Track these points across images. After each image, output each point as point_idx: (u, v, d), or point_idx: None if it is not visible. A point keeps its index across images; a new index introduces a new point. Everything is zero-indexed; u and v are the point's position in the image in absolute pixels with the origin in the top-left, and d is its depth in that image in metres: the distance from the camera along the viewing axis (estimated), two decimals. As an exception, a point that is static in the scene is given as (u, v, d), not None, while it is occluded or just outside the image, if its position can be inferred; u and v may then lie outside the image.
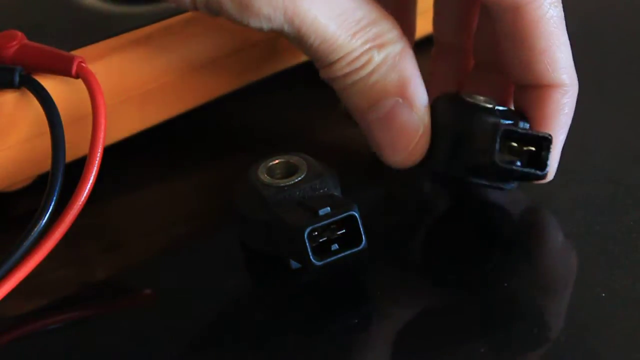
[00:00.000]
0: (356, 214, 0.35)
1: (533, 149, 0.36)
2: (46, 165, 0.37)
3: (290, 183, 0.37)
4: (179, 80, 0.43)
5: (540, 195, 0.40)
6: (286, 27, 0.35)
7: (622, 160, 0.42)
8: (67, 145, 0.37)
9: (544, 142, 0.36)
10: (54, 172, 0.36)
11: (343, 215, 0.35)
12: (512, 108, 0.39)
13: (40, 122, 0.38)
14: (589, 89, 0.47)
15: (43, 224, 0.36)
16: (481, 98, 0.38)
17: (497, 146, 0.36)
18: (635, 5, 0.53)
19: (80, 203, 0.36)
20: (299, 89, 0.38)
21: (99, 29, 0.42)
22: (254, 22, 0.35)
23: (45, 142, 0.38)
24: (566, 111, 0.38)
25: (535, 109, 0.38)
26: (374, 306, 0.37)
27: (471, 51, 0.42)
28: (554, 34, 0.37)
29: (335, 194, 0.37)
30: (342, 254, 0.35)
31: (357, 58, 0.36)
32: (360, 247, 0.35)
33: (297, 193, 0.37)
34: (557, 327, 0.34)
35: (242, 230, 0.38)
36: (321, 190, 0.37)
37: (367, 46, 0.36)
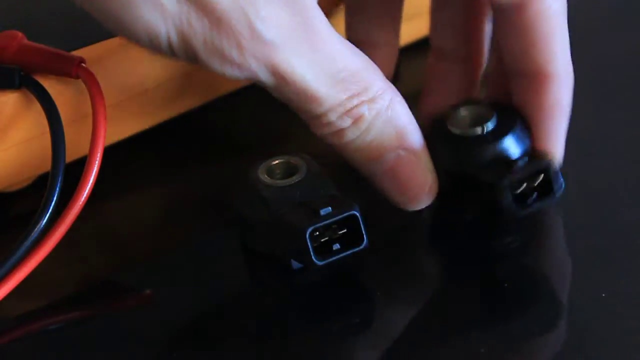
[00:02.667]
0: (357, 214, 0.35)
1: (540, 178, 0.36)
2: (46, 165, 0.37)
3: (290, 183, 0.37)
4: (179, 80, 0.43)
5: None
6: (262, 76, 0.34)
7: (622, 160, 0.42)
8: (67, 145, 0.37)
9: (546, 170, 0.36)
10: (54, 172, 0.36)
11: (344, 215, 0.35)
12: (490, 101, 0.39)
13: (40, 122, 0.38)
14: (589, 89, 0.47)
15: (43, 224, 0.36)
16: (468, 118, 0.38)
17: (508, 199, 0.36)
18: (636, 5, 0.53)
19: (80, 203, 0.36)
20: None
21: (99, 29, 0.42)
22: (229, 71, 0.34)
23: (45, 142, 0.38)
24: (566, 101, 0.38)
25: (534, 99, 0.38)
26: (373, 306, 0.37)
27: (473, 58, 0.42)
28: (556, 26, 0.38)
29: (336, 193, 0.37)
30: (344, 254, 0.35)
31: (347, 113, 0.35)
32: (362, 246, 0.35)
33: (298, 193, 0.37)
34: (557, 327, 0.34)
35: (242, 230, 0.38)
36: (322, 190, 0.37)
37: (355, 102, 0.35)
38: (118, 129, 0.42)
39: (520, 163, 0.36)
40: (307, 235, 0.35)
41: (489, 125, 0.37)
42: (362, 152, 0.36)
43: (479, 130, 0.37)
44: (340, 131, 0.36)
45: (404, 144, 0.36)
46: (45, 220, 0.36)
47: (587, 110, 0.46)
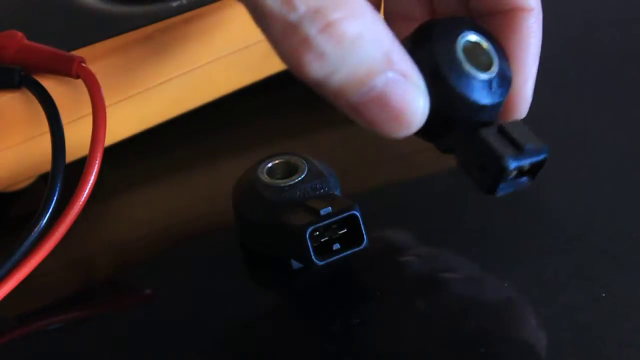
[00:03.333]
0: (357, 214, 0.35)
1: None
2: (46, 165, 0.37)
3: (290, 183, 0.37)
4: (179, 80, 0.43)
5: (540, 195, 0.40)
6: None
7: (622, 160, 0.42)
8: (67, 145, 0.37)
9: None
10: (54, 172, 0.36)
11: (344, 214, 0.35)
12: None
13: (40, 122, 0.38)
14: (589, 89, 0.47)
15: (43, 224, 0.36)
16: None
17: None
18: (635, 7, 0.53)
19: (80, 203, 0.36)
20: (299, 89, 0.37)
21: (99, 29, 0.42)
22: None
23: (45, 142, 0.38)
24: (537, 35, 0.36)
25: (508, 34, 0.36)
26: (373, 306, 0.37)
27: None
28: None
29: (336, 193, 0.37)
30: (344, 254, 0.35)
31: (326, 28, 0.31)
32: (362, 246, 0.36)
33: (298, 193, 0.37)
34: (557, 327, 0.34)
35: (243, 230, 0.38)
36: (322, 190, 0.37)
37: (336, 15, 0.31)
38: (118, 129, 0.42)
39: None
40: (307, 235, 0.35)
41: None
42: (347, 82, 0.32)
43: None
44: (321, 55, 0.31)
45: (392, 64, 0.32)
46: (45, 220, 0.36)
47: (587, 109, 0.46)
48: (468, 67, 0.33)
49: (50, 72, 0.39)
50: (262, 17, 0.31)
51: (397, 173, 0.40)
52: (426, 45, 0.34)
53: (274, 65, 0.46)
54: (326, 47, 0.31)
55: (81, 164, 0.37)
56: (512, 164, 0.32)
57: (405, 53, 0.33)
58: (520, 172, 0.33)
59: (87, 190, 0.36)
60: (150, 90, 0.42)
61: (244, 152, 0.44)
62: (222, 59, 0.43)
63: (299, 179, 0.37)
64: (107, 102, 0.38)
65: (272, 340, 0.35)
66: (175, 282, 0.38)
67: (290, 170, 0.38)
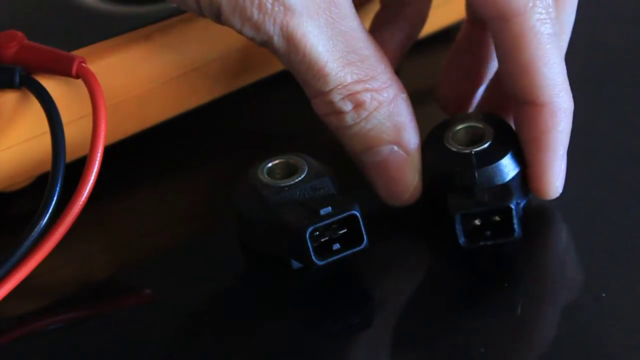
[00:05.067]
0: (357, 214, 0.35)
1: (498, 218, 0.36)
2: (46, 165, 0.37)
3: (290, 183, 0.37)
4: (179, 80, 0.43)
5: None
6: (276, 40, 0.35)
7: (622, 160, 0.42)
8: (67, 145, 0.37)
9: (506, 212, 0.36)
10: (54, 172, 0.36)
11: (344, 214, 0.35)
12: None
13: (40, 122, 0.38)
14: (589, 89, 0.47)
15: (43, 224, 0.36)
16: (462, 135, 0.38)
17: (459, 231, 0.35)
18: (636, 6, 0.53)
19: (80, 203, 0.36)
20: (299, 89, 0.38)
21: (99, 29, 0.42)
22: (247, 30, 0.35)
23: (45, 142, 0.38)
24: (557, 130, 0.37)
25: (526, 127, 0.37)
26: (373, 306, 0.37)
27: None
28: (541, 49, 0.36)
29: (336, 193, 0.37)
30: (344, 254, 0.35)
31: (350, 97, 0.36)
32: (362, 246, 0.36)
33: (298, 193, 0.37)
34: (557, 327, 0.34)
35: (242, 230, 0.38)
36: (321, 190, 0.37)
37: (360, 87, 0.36)
38: (118, 129, 0.42)
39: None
40: (307, 235, 0.35)
41: (477, 149, 0.37)
42: (358, 140, 0.37)
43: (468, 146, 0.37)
44: (341, 114, 0.37)
45: (400, 140, 0.37)
46: (45, 220, 0.36)
47: (586, 108, 0.46)
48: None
49: (50, 72, 0.39)
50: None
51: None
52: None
53: (274, 65, 0.46)
54: (345, 108, 0.37)
55: (81, 164, 0.37)
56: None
57: (416, 133, 0.37)
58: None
59: (87, 190, 0.36)
60: (150, 90, 0.42)
61: (244, 152, 0.44)
62: (222, 58, 0.43)
63: (299, 179, 0.37)
64: (107, 102, 0.38)
65: (272, 340, 0.35)
66: (175, 282, 0.38)
67: (290, 170, 0.38)
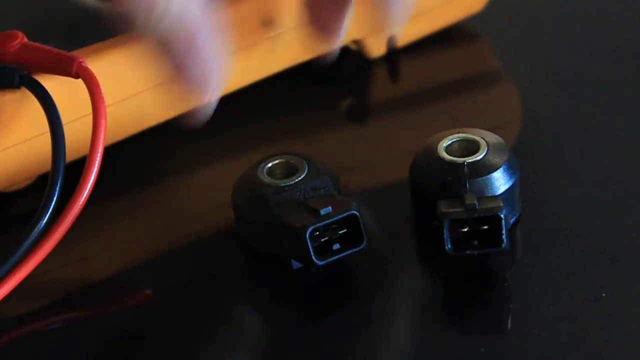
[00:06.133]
0: (357, 214, 0.35)
1: (486, 227, 0.36)
2: (46, 165, 0.37)
3: (290, 183, 0.37)
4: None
5: (540, 195, 0.40)
6: None
7: (623, 160, 0.42)
8: (67, 145, 0.37)
9: (495, 221, 0.36)
10: (54, 172, 0.36)
11: (344, 214, 0.35)
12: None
13: (40, 122, 0.38)
14: (589, 89, 0.47)
15: (43, 224, 0.36)
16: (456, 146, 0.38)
17: (446, 236, 0.35)
18: (636, 6, 0.53)
19: (80, 203, 0.36)
20: (299, 89, 0.38)
21: (99, 29, 0.42)
22: None
23: (45, 142, 0.38)
24: None
25: None
26: (373, 306, 0.37)
27: None
28: None
29: (336, 193, 0.37)
30: (344, 254, 0.35)
31: None
32: (362, 246, 0.36)
33: (298, 193, 0.37)
34: (557, 327, 0.34)
35: (243, 230, 0.38)
36: (321, 190, 0.37)
37: None
38: (118, 129, 0.42)
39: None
40: (307, 235, 0.35)
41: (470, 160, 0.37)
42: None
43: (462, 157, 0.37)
44: None
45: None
46: (45, 220, 0.36)
47: (586, 108, 0.46)
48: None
49: (50, 72, 0.39)
50: None
51: (397, 173, 0.40)
52: None
53: (274, 65, 0.46)
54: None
55: (81, 164, 0.37)
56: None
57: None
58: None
59: (87, 190, 0.36)
60: (150, 90, 0.42)
61: (244, 152, 0.44)
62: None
63: (299, 179, 0.37)
64: (107, 102, 0.38)
65: (272, 340, 0.35)
66: (175, 282, 0.38)
67: (290, 170, 0.38)
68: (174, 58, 0.35)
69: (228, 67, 0.35)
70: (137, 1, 0.34)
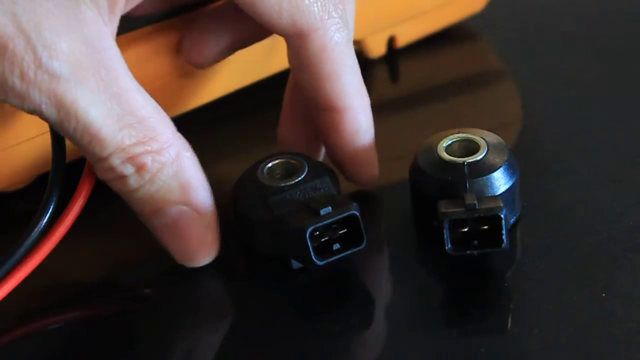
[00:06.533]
0: (357, 214, 0.35)
1: (486, 227, 0.36)
2: (46, 165, 0.37)
3: (290, 183, 0.37)
4: (178, 80, 0.43)
5: (541, 195, 0.40)
6: (46, 110, 0.33)
7: (622, 160, 0.42)
8: (67, 146, 0.37)
9: (495, 221, 0.36)
10: (54, 172, 0.36)
11: (344, 214, 0.35)
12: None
13: (40, 122, 0.38)
14: (589, 89, 0.47)
15: (43, 224, 0.36)
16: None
17: (446, 236, 0.35)
18: (636, 6, 0.53)
19: (80, 203, 0.36)
20: (299, 89, 0.38)
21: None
22: (13, 101, 0.33)
23: (45, 142, 0.38)
24: (365, 126, 0.39)
25: (333, 132, 0.39)
26: (373, 306, 0.37)
27: None
28: (342, 57, 0.37)
29: (336, 193, 0.37)
30: (344, 254, 0.35)
31: (130, 160, 0.34)
32: (362, 246, 0.36)
33: (298, 193, 0.37)
34: (557, 327, 0.34)
35: (242, 230, 0.38)
36: (322, 190, 0.37)
37: (139, 149, 0.34)
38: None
39: None
40: (307, 235, 0.35)
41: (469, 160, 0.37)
42: (145, 203, 0.35)
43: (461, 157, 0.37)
44: (123, 178, 0.35)
45: (188, 199, 0.36)
46: (45, 220, 0.36)
47: (586, 108, 0.46)
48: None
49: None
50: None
51: (397, 173, 0.40)
52: None
53: (274, 64, 0.46)
54: (127, 172, 0.35)
55: (81, 164, 0.37)
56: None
57: (205, 189, 0.36)
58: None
59: (87, 191, 0.36)
60: (150, 90, 0.42)
61: (244, 152, 0.44)
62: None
63: (299, 179, 0.37)
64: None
65: (272, 340, 0.35)
66: (175, 282, 0.38)
67: (290, 170, 0.38)
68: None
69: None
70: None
